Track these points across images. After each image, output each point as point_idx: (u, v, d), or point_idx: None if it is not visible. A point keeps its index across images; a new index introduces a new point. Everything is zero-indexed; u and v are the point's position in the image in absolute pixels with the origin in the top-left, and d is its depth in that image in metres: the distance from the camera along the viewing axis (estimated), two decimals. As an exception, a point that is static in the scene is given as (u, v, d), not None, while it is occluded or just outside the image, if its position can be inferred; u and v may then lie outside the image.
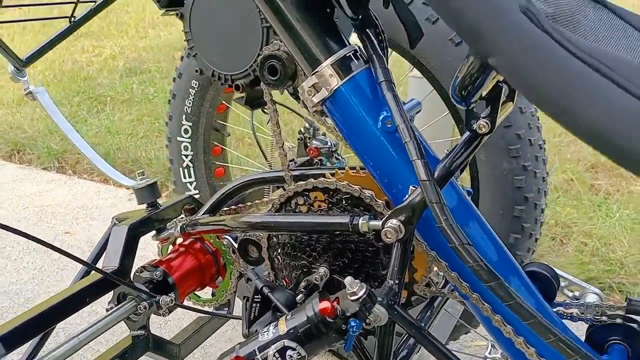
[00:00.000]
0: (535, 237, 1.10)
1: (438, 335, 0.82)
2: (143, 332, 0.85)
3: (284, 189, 0.75)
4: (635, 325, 0.66)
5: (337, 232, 0.69)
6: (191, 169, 1.48)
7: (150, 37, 4.79)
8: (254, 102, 0.88)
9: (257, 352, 0.65)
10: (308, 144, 1.17)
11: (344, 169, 0.73)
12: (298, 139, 1.20)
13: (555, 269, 0.71)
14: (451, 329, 1.07)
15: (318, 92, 0.65)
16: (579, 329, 0.67)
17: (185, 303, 0.92)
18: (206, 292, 0.99)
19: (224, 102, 1.42)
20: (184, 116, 1.42)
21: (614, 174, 2.21)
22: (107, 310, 0.82)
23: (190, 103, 1.40)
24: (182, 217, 0.91)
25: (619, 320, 0.66)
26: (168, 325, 1.59)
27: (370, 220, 0.63)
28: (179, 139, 1.45)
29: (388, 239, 0.59)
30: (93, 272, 0.81)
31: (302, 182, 0.72)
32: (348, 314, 0.60)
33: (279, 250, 0.77)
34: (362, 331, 0.60)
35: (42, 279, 1.83)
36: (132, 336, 0.86)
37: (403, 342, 0.83)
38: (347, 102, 0.65)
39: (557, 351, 0.56)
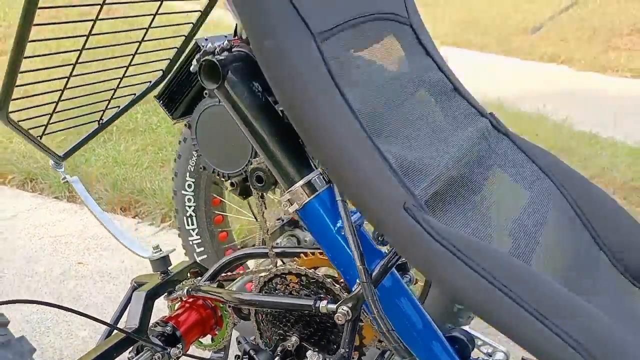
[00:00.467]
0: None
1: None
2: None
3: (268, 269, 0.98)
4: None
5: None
6: (194, 218, 1.71)
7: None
8: (245, 192, 1.11)
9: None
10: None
11: (319, 248, 0.96)
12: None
13: (471, 331, 0.94)
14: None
15: (292, 205, 0.88)
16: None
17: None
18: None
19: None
20: (187, 173, 1.65)
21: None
22: (129, 360, 1.04)
23: (193, 163, 1.63)
24: (188, 281, 1.13)
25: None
26: None
27: (329, 304, 0.86)
28: (183, 192, 1.68)
29: (339, 321, 0.82)
30: (116, 331, 1.02)
31: (280, 266, 0.95)
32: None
33: (263, 317, 0.99)
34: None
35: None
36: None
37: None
38: (314, 212, 0.87)
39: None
